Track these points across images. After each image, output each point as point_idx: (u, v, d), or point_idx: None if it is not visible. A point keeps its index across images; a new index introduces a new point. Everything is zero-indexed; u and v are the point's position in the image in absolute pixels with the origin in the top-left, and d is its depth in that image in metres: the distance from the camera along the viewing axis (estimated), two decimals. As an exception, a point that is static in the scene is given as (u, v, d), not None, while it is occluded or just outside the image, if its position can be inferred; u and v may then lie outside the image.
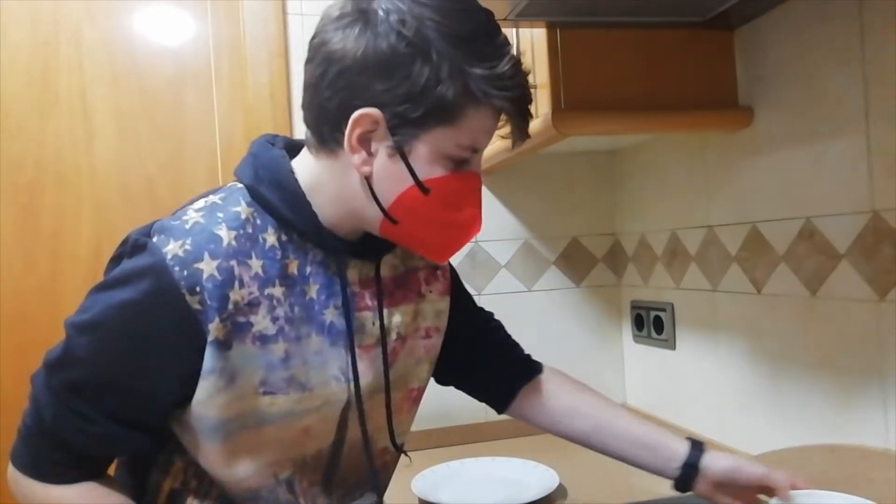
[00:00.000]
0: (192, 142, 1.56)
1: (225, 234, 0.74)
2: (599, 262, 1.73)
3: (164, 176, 1.55)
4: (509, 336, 1.06)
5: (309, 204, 0.77)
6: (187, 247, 0.71)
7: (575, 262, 1.72)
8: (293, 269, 0.78)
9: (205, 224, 0.74)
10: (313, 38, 0.75)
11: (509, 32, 1.19)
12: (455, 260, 1.62)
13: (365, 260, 0.83)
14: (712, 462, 0.90)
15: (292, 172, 0.78)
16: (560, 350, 1.70)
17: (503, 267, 1.68)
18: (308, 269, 0.79)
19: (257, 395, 0.76)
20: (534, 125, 1.20)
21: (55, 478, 0.77)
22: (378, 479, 0.94)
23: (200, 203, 0.78)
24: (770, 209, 1.16)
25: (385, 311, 0.86)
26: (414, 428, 1.11)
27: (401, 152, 0.73)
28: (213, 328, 0.71)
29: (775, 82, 1.14)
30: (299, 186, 0.78)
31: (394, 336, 0.87)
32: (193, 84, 1.57)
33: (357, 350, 0.82)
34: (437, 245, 0.82)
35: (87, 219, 1.51)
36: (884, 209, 0.94)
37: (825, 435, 1.07)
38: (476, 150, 0.77)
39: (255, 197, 0.77)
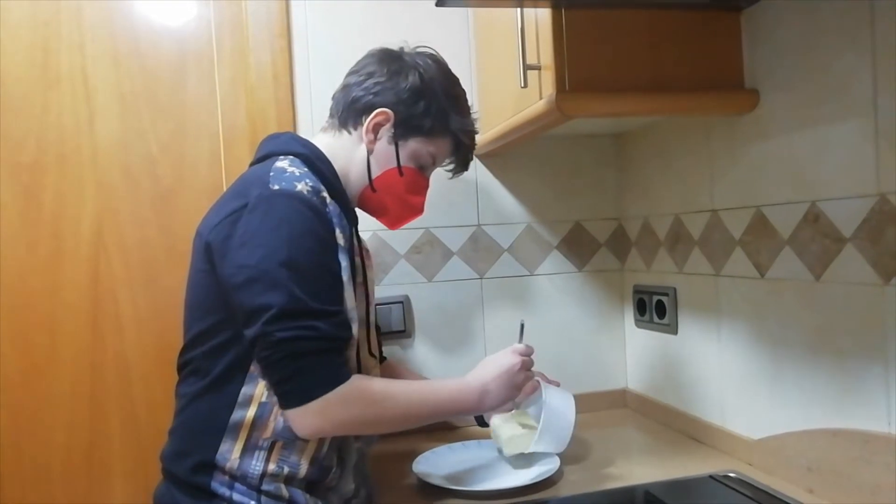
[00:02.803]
0: (194, 122, 1.55)
1: (313, 180, 1.01)
2: (602, 247, 1.73)
3: (166, 156, 1.54)
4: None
5: (336, 172, 1.10)
6: (310, 183, 0.99)
7: (578, 246, 1.71)
8: (336, 212, 1.03)
9: (302, 174, 1.00)
10: (362, 59, 1.17)
11: (514, 13, 1.19)
12: (458, 243, 1.63)
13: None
14: None
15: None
16: (562, 334, 1.70)
17: (506, 251, 1.67)
18: (340, 217, 1.05)
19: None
20: (537, 106, 1.20)
21: (346, 375, 0.95)
22: None
23: (282, 163, 1.02)
24: (775, 193, 1.15)
25: (366, 262, 1.15)
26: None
27: (395, 142, 1.13)
28: (338, 235, 1.00)
29: (782, 64, 1.13)
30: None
31: (369, 285, 1.13)
32: (195, 64, 1.56)
33: (366, 285, 1.11)
34: (396, 215, 1.20)
35: (89, 198, 1.50)
36: (890, 192, 0.93)
37: (828, 419, 1.07)
38: (434, 163, 1.18)
39: (307, 163, 1.05)
